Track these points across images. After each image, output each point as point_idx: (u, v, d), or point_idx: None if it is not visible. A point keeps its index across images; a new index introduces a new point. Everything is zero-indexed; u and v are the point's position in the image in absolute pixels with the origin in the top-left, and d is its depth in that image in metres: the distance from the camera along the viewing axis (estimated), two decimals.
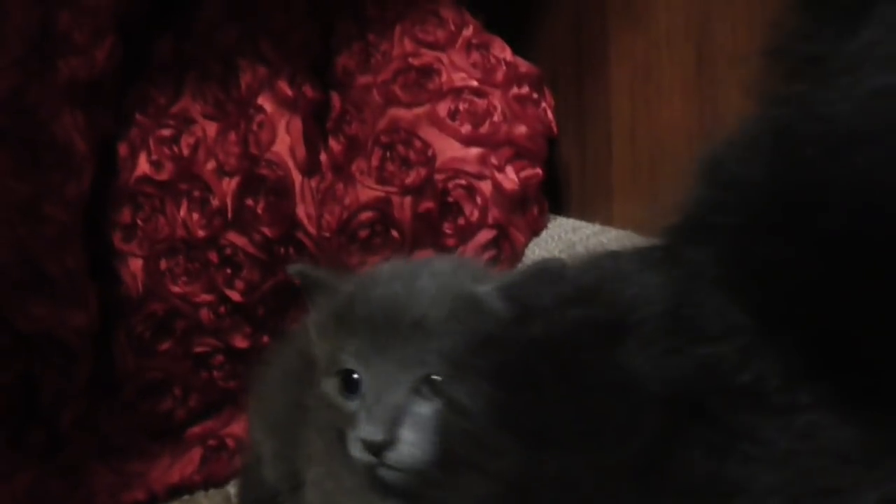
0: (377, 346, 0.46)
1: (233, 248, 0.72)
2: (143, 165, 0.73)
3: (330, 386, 0.48)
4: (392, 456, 0.44)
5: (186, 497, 0.72)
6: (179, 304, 0.72)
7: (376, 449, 0.44)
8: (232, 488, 0.71)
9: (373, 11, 0.81)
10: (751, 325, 0.36)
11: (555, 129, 0.80)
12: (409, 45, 0.77)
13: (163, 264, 0.72)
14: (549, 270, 0.47)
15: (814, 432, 0.34)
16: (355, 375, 0.46)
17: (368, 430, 0.45)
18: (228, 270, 0.72)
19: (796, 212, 0.35)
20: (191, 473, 0.72)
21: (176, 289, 0.72)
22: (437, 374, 0.45)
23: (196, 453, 0.73)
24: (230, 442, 0.73)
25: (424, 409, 0.45)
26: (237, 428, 0.73)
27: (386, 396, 0.45)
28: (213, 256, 0.72)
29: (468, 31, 0.80)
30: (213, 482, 0.72)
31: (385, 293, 0.47)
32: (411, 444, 0.44)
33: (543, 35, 0.85)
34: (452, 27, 0.79)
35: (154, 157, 0.73)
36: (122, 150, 0.74)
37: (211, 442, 0.74)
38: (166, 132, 0.73)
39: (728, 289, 0.37)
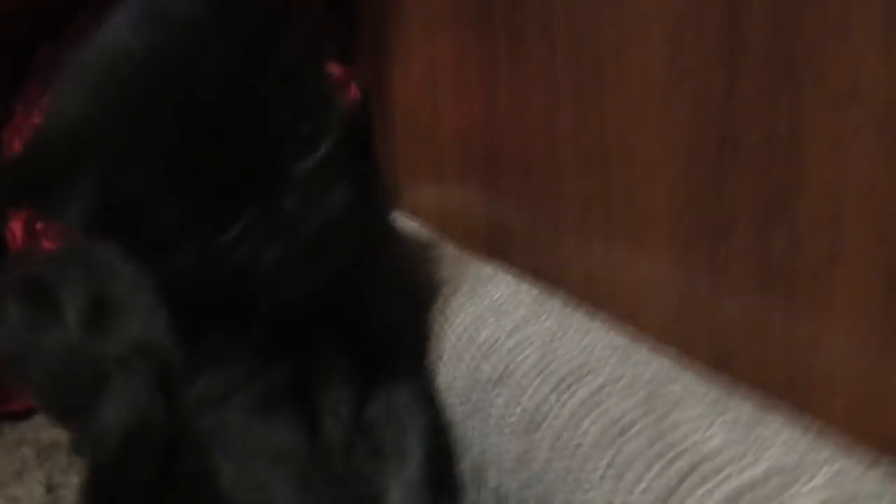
0: None
1: None
2: (18, 146, 0.93)
3: None
4: None
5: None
6: None
7: None
8: None
9: None
10: None
11: None
12: None
13: (38, 225, 0.93)
14: None
15: None
16: None
17: None
18: None
19: None
20: None
21: (48, 245, 0.92)
22: None
23: None
24: None
25: None
26: None
27: None
28: None
29: None
30: None
31: None
32: None
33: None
34: None
35: (27, 138, 0.93)
36: (5, 135, 0.93)
37: None
38: (37, 119, 0.93)
39: None
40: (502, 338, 0.53)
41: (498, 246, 0.77)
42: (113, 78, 0.48)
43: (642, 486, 0.39)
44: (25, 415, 0.90)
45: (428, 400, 0.59)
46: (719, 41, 0.50)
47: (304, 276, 0.50)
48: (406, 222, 0.79)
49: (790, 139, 0.46)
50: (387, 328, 0.58)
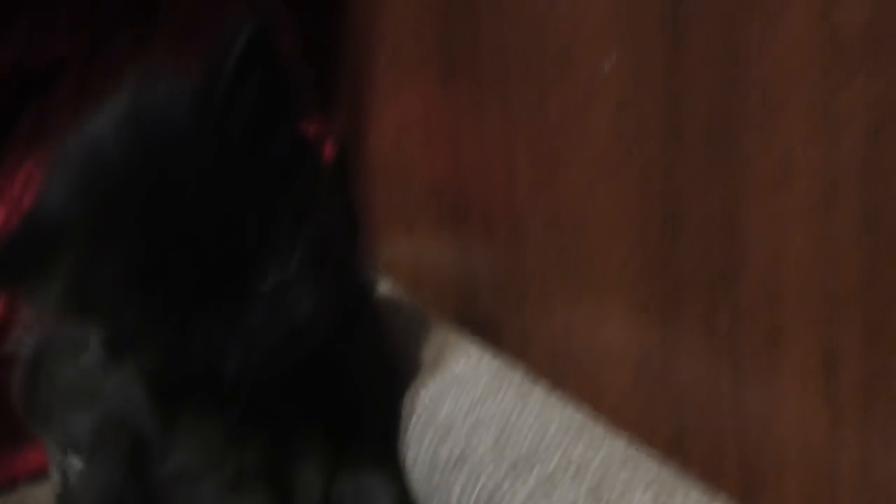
0: None
1: None
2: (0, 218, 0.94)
3: None
4: None
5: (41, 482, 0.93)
6: None
7: None
8: None
9: None
10: None
11: None
12: None
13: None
14: None
15: None
16: None
17: None
18: None
19: None
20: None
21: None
22: None
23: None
24: None
25: None
26: None
27: None
28: None
29: None
30: None
31: None
32: None
33: None
34: None
35: (7, 210, 0.94)
36: None
37: None
38: (17, 191, 0.95)
39: None
40: (460, 418, 0.54)
41: (467, 306, 0.78)
42: (91, 177, 0.50)
43: None
44: (10, 487, 0.92)
45: (395, 479, 0.59)
46: (659, 122, 0.50)
47: (266, 375, 0.50)
48: (380, 281, 0.80)
49: (729, 220, 0.47)
50: (356, 408, 0.59)
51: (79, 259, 0.50)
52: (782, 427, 0.46)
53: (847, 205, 0.41)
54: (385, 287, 0.82)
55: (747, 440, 0.48)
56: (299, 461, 0.59)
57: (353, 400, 0.61)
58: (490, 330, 0.71)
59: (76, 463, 0.64)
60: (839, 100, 0.41)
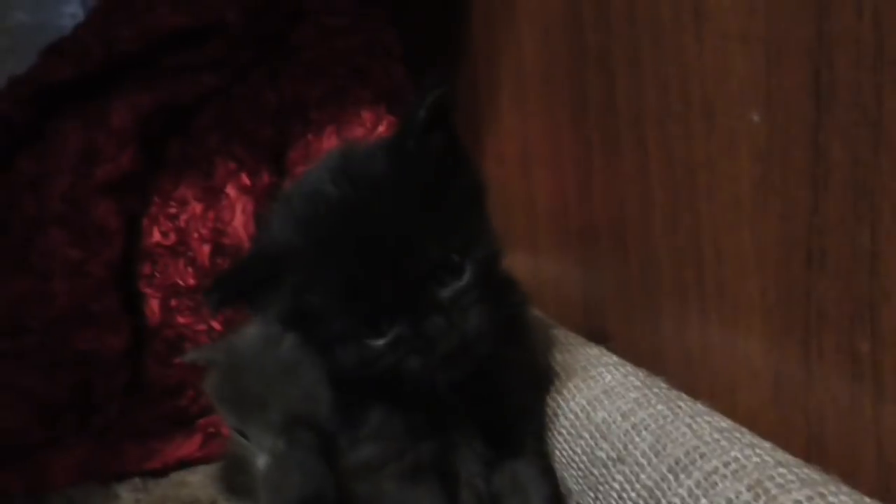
0: None
1: None
2: (156, 234, 1.04)
3: None
4: None
5: (188, 469, 1.01)
6: (184, 331, 1.03)
7: None
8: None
9: (315, 116, 1.12)
10: None
11: None
12: (335, 140, 1.09)
13: (172, 303, 1.03)
14: None
15: None
16: None
17: None
18: None
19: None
20: (193, 452, 1.01)
21: (181, 320, 1.03)
22: None
23: (199, 438, 1.02)
24: (225, 430, 1.02)
25: None
26: None
27: None
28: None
29: (382, 127, 1.12)
30: (208, 460, 0.99)
31: None
32: None
33: None
34: (369, 125, 1.11)
35: (163, 228, 1.04)
36: (145, 223, 1.04)
37: (210, 430, 1.02)
38: (172, 210, 1.04)
39: None
40: (615, 421, 0.61)
41: (592, 322, 0.85)
42: (311, 216, 0.60)
43: None
44: (163, 472, 1.01)
45: (548, 473, 0.67)
46: (804, 172, 0.57)
47: (441, 379, 0.60)
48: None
49: (871, 258, 0.53)
50: (514, 410, 0.67)
51: (300, 280, 0.61)
52: None
53: None
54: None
55: (885, 448, 0.54)
56: (465, 458, 0.68)
57: (510, 404, 0.69)
58: (619, 345, 0.79)
59: (268, 446, 0.73)
60: None
